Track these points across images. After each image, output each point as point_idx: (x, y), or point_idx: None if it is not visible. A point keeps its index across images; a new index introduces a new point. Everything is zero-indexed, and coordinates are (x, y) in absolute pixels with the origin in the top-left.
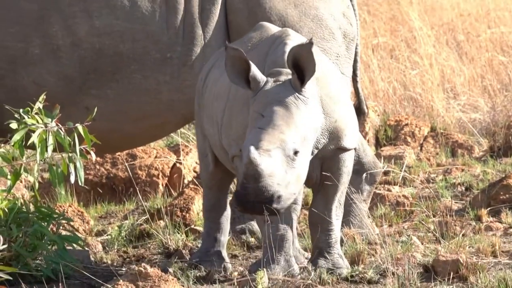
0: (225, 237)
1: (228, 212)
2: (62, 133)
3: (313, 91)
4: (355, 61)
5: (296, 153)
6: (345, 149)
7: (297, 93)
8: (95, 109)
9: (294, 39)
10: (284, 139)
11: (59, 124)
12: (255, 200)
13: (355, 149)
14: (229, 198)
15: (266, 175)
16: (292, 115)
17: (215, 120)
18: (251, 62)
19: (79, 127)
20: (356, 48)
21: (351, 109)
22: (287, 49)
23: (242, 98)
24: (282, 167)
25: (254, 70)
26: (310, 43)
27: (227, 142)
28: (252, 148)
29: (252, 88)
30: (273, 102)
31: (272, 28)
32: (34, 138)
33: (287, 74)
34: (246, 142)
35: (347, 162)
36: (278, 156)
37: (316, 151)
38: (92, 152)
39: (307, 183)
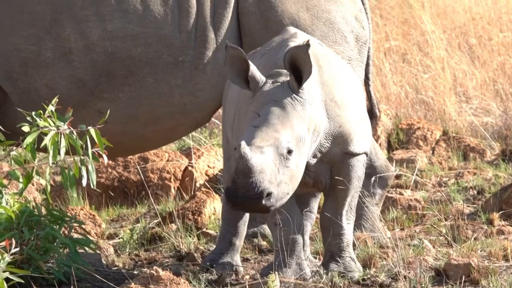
0: (240, 241)
1: (246, 216)
2: (75, 136)
3: (315, 94)
4: (367, 64)
5: (289, 152)
6: (353, 154)
7: (294, 94)
8: (108, 112)
9: (298, 41)
10: (278, 137)
11: (71, 127)
12: (244, 196)
13: (366, 153)
14: None
15: (257, 171)
16: (288, 115)
17: (230, 124)
18: (250, 62)
19: (91, 130)
20: (368, 52)
21: (362, 114)
22: (289, 53)
23: (248, 101)
24: (275, 165)
25: (253, 70)
26: (307, 45)
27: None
28: (243, 143)
29: (251, 88)
30: (269, 102)
31: (293, 32)
32: (47, 141)
33: (286, 75)
34: (240, 139)
35: (356, 167)
36: (271, 153)
37: (320, 155)
38: (104, 155)
39: (318, 187)
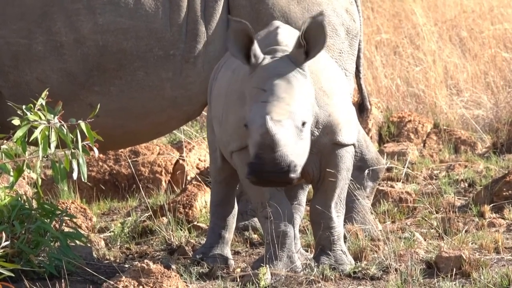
0: (230, 234)
1: (235, 210)
2: (65, 130)
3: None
4: (358, 57)
5: (303, 124)
6: (342, 145)
7: (297, 68)
8: (98, 106)
9: (285, 26)
10: (292, 110)
11: (61, 121)
12: (272, 170)
13: (354, 145)
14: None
15: (283, 144)
16: (294, 88)
17: (218, 118)
18: (254, 37)
19: (82, 124)
20: (359, 45)
21: (348, 105)
22: (280, 30)
23: (236, 92)
24: (294, 138)
25: (256, 45)
26: (322, 16)
27: (225, 138)
28: (268, 118)
29: (251, 63)
30: (273, 76)
31: (277, 25)
32: (37, 134)
33: (282, 51)
34: (253, 115)
35: (345, 158)
36: (290, 126)
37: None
38: (95, 149)
39: (306, 179)
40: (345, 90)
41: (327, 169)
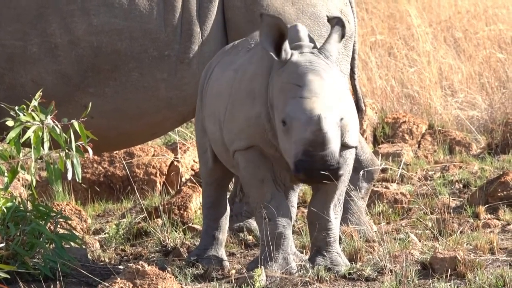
0: (223, 235)
1: (227, 210)
2: (58, 130)
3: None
4: (353, 58)
5: (341, 120)
6: (348, 146)
7: (328, 61)
8: (90, 105)
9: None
10: (331, 106)
11: (55, 121)
12: (322, 167)
13: (356, 147)
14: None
15: (332, 142)
16: (329, 84)
17: (217, 117)
18: (286, 32)
19: (75, 124)
20: (354, 46)
21: (353, 108)
22: (299, 27)
23: (245, 91)
24: (338, 134)
25: (287, 41)
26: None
27: (229, 137)
28: (323, 115)
29: (281, 58)
30: (308, 71)
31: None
32: (29, 134)
33: (308, 46)
34: (293, 111)
35: (349, 160)
36: (334, 122)
37: None
38: (89, 149)
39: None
40: (349, 93)
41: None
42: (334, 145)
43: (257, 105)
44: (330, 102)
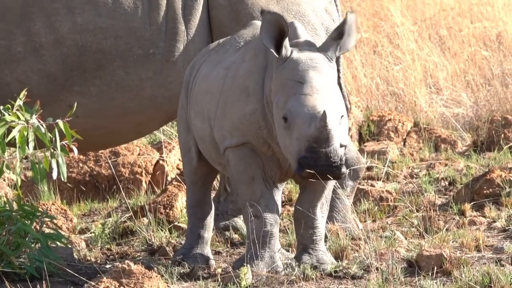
0: (209, 233)
1: (212, 209)
2: (43, 129)
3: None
4: (338, 57)
5: (342, 117)
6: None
7: (329, 60)
8: (75, 105)
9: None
10: (333, 103)
11: (40, 121)
12: (325, 164)
13: (346, 147)
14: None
15: (335, 138)
16: (330, 81)
17: (206, 115)
18: (287, 29)
19: (60, 123)
20: None
21: (344, 106)
22: (297, 25)
23: (238, 88)
24: (340, 131)
25: (287, 38)
26: (354, 12)
27: (220, 134)
28: (327, 111)
29: (281, 55)
30: (309, 68)
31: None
32: (15, 134)
33: (308, 44)
34: (296, 107)
35: None
36: (337, 120)
37: None
38: (74, 148)
39: (295, 177)
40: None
41: None
42: (337, 142)
43: (252, 102)
44: (331, 99)
